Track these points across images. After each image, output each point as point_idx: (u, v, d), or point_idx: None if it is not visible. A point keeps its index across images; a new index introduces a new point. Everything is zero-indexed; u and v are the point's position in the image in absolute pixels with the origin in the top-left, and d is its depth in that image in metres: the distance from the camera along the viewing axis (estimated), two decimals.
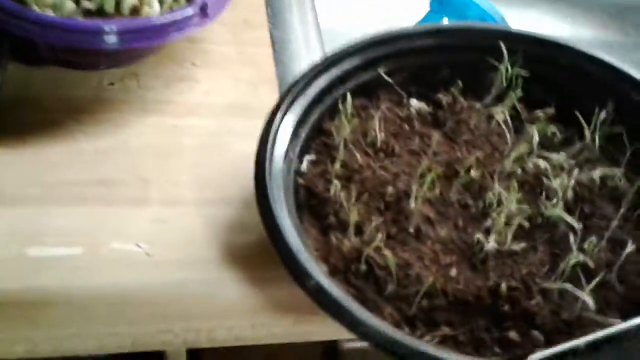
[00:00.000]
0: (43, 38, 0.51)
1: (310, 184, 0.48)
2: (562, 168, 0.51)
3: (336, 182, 0.47)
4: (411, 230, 0.46)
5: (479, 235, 0.46)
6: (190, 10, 0.56)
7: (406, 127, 0.54)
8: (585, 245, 0.45)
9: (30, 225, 0.46)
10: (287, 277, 0.40)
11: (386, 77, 0.55)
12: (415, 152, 0.52)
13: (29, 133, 0.53)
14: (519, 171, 0.51)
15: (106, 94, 0.58)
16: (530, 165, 0.51)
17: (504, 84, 0.55)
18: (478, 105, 0.56)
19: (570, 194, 0.49)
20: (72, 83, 0.58)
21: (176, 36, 0.56)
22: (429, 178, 0.47)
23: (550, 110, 0.56)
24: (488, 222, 0.47)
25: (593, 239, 0.45)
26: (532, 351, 0.40)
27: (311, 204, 0.48)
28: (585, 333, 0.40)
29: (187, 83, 0.61)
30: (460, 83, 0.56)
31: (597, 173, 0.51)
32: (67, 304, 0.44)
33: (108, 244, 0.46)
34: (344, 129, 0.50)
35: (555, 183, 0.49)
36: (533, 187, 0.50)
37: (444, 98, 0.56)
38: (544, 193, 0.49)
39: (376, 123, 0.51)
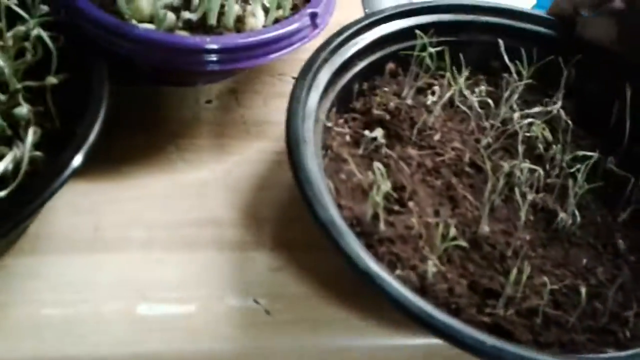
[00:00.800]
0: (145, 58, 0.45)
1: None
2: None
3: None
4: None
5: None
6: (299, 22, 0.50)
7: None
8: None
9: (136, 276, 0.41)
10: None
11: None
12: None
13: (126, 160, 0.48)
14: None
15: (205, 114, 0.52)
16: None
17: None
18: None
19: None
20: (168, 103, 0.52)
21: (284, 53, 0.50)
22: None
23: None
24: None
25: None
26: None
27: None
28: None
29: (287, 99, 0.55)
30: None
31: None
32: None
33: (223, 299, 0.41)
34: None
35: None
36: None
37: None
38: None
39: None
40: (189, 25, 0.49)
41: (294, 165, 0.40)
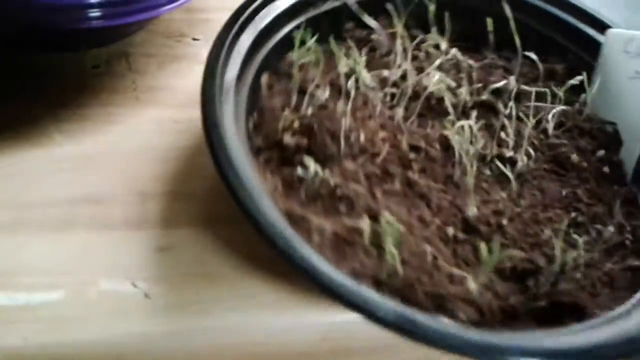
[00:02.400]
0: (19, 18, 0.40)
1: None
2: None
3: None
4: None
5: None
6: None
7: None
8: None
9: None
10: None
11: None
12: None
13: None
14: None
15: (90, 82, 0.47)
16: None
17: None
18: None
19: None
20: (49, 70, 0.47)
21: (176, 5, 0.45)
22: None
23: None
24: None
25: None
26: None
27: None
28: None
29: (187, 63, 0.51)
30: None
31: None
32: None
33: (97, 283, 0.37)
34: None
35: None
36: None
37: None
38: None
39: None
40: None
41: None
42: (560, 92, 0.46)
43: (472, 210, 0.40)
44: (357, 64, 0.42)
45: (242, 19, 0.41)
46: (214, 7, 0.55)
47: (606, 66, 0.47)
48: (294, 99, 0.41)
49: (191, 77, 0.50)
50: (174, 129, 0.46)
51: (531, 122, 0.44)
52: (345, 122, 0.40)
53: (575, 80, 0.47)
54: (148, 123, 0.46)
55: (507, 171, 0.42)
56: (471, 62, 0.47)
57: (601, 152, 0.45)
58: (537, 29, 0.49)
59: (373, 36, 0.46)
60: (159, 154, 0.44)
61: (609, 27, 0.48)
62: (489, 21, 0.46)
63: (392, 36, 0.46)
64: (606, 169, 0.45)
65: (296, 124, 0.40)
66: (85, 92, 0.46)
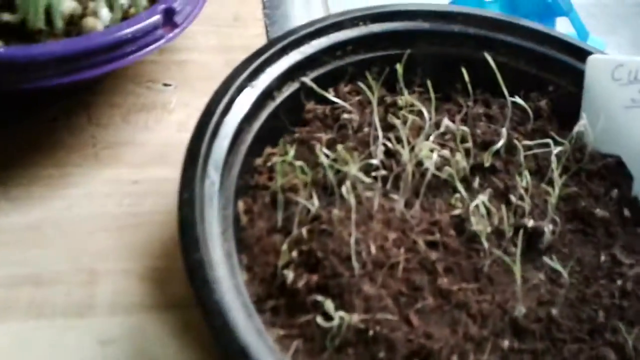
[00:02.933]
0: None
1: None
2: None
3: None
4: None
5: None
6: (150, 20, 0.41)
7: None
8: None
9: None
10: None
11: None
12: None
13: None
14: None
15: (45, 138, 0.43)
16: None
17: None
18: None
19: None
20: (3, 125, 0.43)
21: (133, 58, 0.41)
22: None
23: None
24: None
25: None
26: None
27: None
28: None
29: (155, 113, 0.46)
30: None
31: None
32: None
33: None
34: None
35: None
36: None
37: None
38: None
39: None
40: (8, 33, 0.39)
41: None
42: (566, 142, 0.41)
43: (519, 311, 0.35)
44: (345, 164, 0.36)
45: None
46: (191, 46, 0.51)
47: (594, 96, 0.43)
48: (280, 216, 0.36)
49: (158, 129, 0.45)
50: (134, 192, 0.41)
51: (528, 178, 0.39)
52: (351, 236, 0.34)
53: (580, 127, 0.42)
54: (105, 185, 0.41)
55: (538, 245, 0.38)
56: (450, 123, 0.41)
57: (614, 192, 0.41)
58: (511, 65, 0.44)
59: (338, 112, 0.41)
60: (114, 222, 0.39)
61: (589, 53, 0.43)
62: (463, 69, 0.42)
63: (360, 104, 0.41)
64: (627, 213, 0.41)
65: (295, 254, 0.34)
66: (39, 150, 0.42)
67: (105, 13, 0.42)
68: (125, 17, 0.43)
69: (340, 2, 0.56)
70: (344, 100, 0.41)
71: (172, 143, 0.44)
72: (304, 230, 0.34)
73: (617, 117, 0.42)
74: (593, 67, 0.43)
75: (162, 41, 0.42)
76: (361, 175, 0.36)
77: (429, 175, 0.38)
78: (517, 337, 0.34)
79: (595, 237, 0.40)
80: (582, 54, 0.44)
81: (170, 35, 0.42)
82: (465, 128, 0.41)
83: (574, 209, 0.40)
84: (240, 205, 0.36)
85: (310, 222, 0.35)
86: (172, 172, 0.42)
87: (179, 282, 0.37)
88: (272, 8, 0.56)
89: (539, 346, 0.34)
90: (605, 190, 0.42)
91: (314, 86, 0.41)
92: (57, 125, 0.44)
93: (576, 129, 0.42)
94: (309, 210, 0.35)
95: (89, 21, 0.41)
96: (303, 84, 0.41)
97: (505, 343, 0.34)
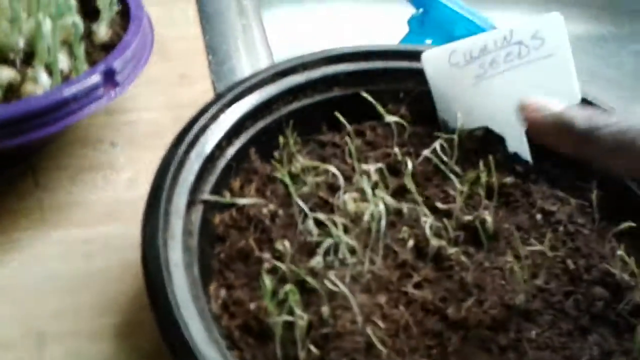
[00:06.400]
0: None
1: None
2: None
3: None
4: None
5: None
6: (90, 80, 0.41)
7: None
8: None
9: None
10: None
11: None
12: None
13: None
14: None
15: None
16: None
17: None
18: None
19: None
20: None
21: (75, 118, 0.41)
22: None
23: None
24: None
25: None
26: None
27: None
28: None
29: (103, 173, 0.46)
30: None
31: None
32: None
33: None
34: None
35: None
36: None
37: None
38: None
39: None
40: None
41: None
42: (441, 134, 0.42)
43: (519, 299, 0.35)
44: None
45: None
46: (137, 105, 0.51)
47: (442, 87, 0.44)
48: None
49: (106, 189, 0.45)
50: (84, 252, 0.41)
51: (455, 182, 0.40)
52: (357, 325, 0.32)
53: (440, 118, 0.44)
54: (54, 247, 0.41)
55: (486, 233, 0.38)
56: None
57: (498, 156, 0.42)
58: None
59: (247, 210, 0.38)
60: (64, 284, 0.39)
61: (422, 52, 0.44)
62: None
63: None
64: (519, 168, 0.42)
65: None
66: None
67: (44, 79, 0.42)
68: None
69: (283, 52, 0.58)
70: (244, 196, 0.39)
71: (122, 200, 0.44)
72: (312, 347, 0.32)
73: (470, 96, 0.43)
74: (429, 62, 0.44)
75: (103, 100, 0.42)
76: (317, 263, 0.35)
77: (373, 226, 0.37)
78: (532, 322, 0.35)
79: (517, 201, 0.41)
80: (418, 55, 0.44)
81: (112, 94, 0.43)
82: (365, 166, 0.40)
83: (488, 187, 0.40)
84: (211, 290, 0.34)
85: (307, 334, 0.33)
86: (124, 229, 0.43)
87: (136, 337, 0.37)
88: (218, 64, 0.57)
89: (547, 318, 0.35)
90: (492, 157, 0.41)
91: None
92: (2, 190, 0.43)
93: (439, 121, 0.44)
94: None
95: (28, 87, 0.41)
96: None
97: (533, 333, 0.34)
